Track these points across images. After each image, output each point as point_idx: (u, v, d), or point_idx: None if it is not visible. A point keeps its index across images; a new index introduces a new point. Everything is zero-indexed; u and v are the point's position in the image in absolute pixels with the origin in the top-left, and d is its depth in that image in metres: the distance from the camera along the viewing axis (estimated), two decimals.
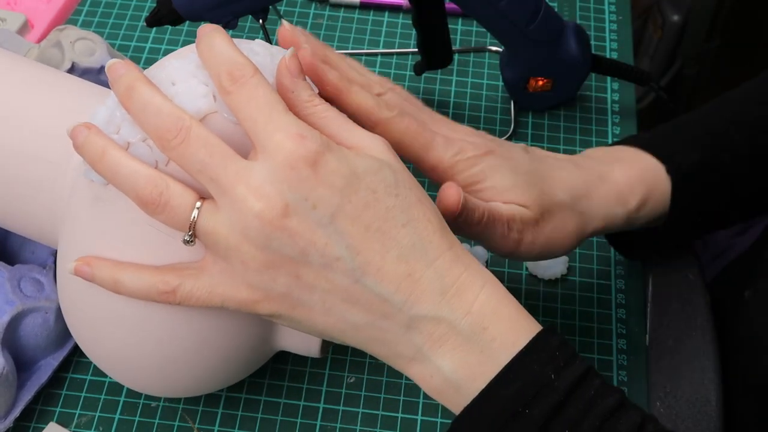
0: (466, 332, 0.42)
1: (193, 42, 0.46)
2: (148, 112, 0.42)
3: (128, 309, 0.47)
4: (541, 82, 0.73)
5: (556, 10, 0.84)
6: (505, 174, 0.51)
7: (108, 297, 0.46)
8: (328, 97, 0.49)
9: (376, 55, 0.80)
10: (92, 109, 0.47)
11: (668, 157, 0.56)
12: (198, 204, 0.42)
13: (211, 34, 0.44)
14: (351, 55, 0.80)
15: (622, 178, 0.55)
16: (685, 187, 0.56)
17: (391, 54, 0.80)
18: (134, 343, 0.48)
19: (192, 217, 0.42)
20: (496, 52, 0.80)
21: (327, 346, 0.52)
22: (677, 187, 0.56)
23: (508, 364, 0.41)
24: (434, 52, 0.71)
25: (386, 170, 0.43)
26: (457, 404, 0.43)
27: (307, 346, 0.51)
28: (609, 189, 0.55)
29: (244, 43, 0.49)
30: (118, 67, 0.44)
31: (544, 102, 0.75)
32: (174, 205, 0.42)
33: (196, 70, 0.46)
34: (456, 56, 0.80)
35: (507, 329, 0.42)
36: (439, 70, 0.79)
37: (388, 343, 0.43)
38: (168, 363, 0.49)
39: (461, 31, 0.82)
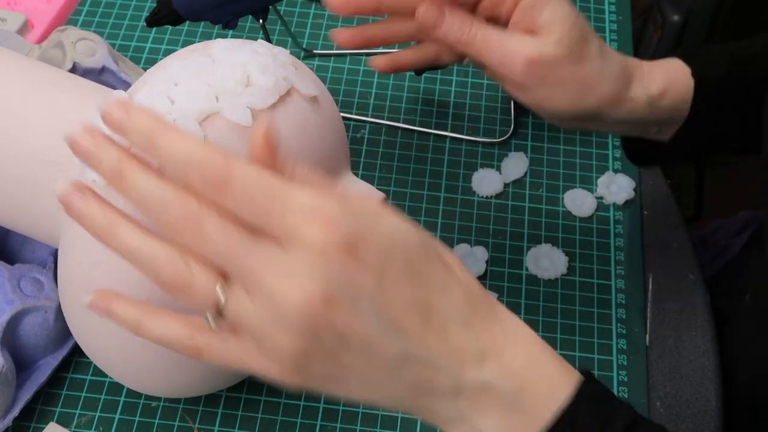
0: (508, 393, 0.40)
1: (193, 42, 0.46)
2: (150, 198, 0.39)
3: None
4: None
5: None
6: (555, 8, 0.54)
7: None
8: None
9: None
10: (93, 109, 0.47)
11: (695, 61, 0.59)
12: (220, 291, 0.39)
13: (155, 135, 0.38)
14: (351, 55, 0.80)
15: (647, 66, 0.58)
16: (707, 90, 0.58)
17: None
18: (135, 343, 0.48)
19: (219, 301, 0.39)
20: None
21: None
22: (699, 86, 0.58)
23: (556, 423, 0.40)
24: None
25: (412, 232, 0.40)
26: None
27: None
28: (637, 70, 0.57)
29: (246, 44, 0.49)
30: (102, 149, 0.40)
31: None
32: (196, 289, 0.39)
33: (198, 71, 0.46)
34: None
35: (547, 386, 0.41)
36: (439, 71, 0.79)
37: (430, 410, 0.42)
38: (169, 363, 0.49)
39: None
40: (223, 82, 0.46)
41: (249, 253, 0.37)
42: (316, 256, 0.37)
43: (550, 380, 0.41)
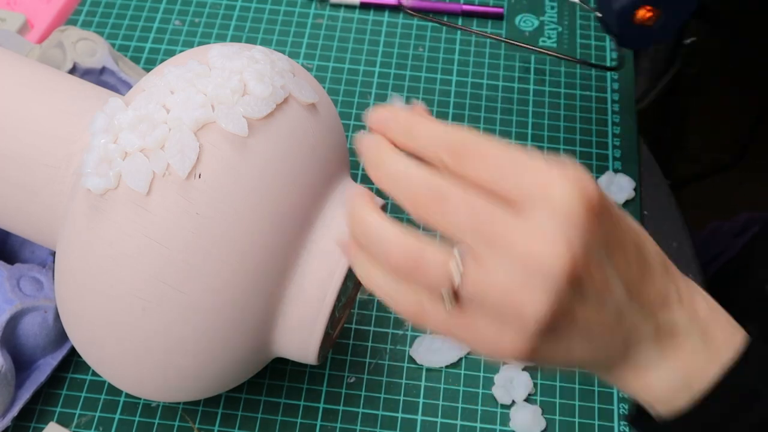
0: (697, 336, 0.42)
1: (193, 42, 0.46)
2: (396, 178, 0.40)
3: (119, 316, 0.47)
4: (649, 14, 0.70)
5: (556, 10, 0.84)
6: None
7: (106, 300, 0.46)
8: None
9: (375, 54, 0.80)
10: (92, 113, 0.47)
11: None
12: (457, 268, 0.39)
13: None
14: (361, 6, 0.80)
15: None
16: None
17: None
18: (132, 347, 0.48)
19: (453, 282, 0.39)
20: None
21: (324, 353, 0.52)
22: None
23: (733, 366, 0.42)
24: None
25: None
26: (674, 407, 0.43)
27: (305, 354, 0.51)
28: None
29: (244, 50, 0.48)
30: (367, 141, 0.42)
31: (644, 40, 0.70)
32: (428, 270, 0.39)
33: (194, 79, 0.46)
34: (456, 56, 0.80)
35: (727, 333, 0.43)
36: (440, 69, 0.79)
37: (629, 359, 0.42)
38: (166, 368, 0.49)
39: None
40: (219, 91, 0.46)
41: (494, 220, 0.38)
42: (567, 215, 0.37)
43: (730, 329, 0.43)
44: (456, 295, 0.39)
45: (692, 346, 0.42)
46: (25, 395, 0.57)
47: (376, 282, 0.41)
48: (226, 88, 0.46)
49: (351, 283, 0.52)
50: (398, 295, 0.41)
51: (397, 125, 0.42)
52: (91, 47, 0.66)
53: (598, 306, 0.40)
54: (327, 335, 0.51)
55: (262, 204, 0.46)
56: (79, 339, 0.50)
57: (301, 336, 0.50)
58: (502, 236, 0.38)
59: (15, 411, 0.56)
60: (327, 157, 0.50)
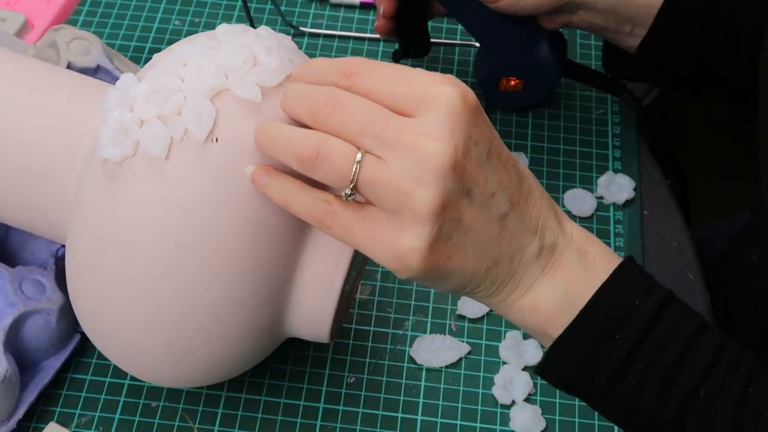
0: (575, 256, 0.46)
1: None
2: (295, 96, 0.44)
3: (138, 287, 0.47)
4: (513, 82, 0.73)
5: None
6: None
7: (124, 272, 0.47)
8: None
9: (363, 40, 0.80)
10: (98, 97, 0.48)
11: None
12: (359, 156, 0.42)
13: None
14: (340, 38, 0.80)
15: None
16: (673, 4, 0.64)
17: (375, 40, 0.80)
18: (144, 324, 0.48)
19: (354, 170, 0.42)
20: (472, 46, 0.80)
21: (336, 331, 0.52)
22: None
23: (598, 291, 0.45)
24: (411, 40, 0.74)
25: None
26: (560, 326, 0.46)
27: (318, 331, 0.51)
28: None
29: (249, 29, 0.49)
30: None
31: (515, 102, 0.75)
32: (333, 157, 0.42)
33: (206, 52, 0.47)
34: (457, 57, 0.80)
35: (601, 253, 0.47)
36: (440, 69, 0.79)
37: (516, 276, 0.46)
38: (178, 345, 0.49)
39: (446, 29, 0.82)
40: (230, 61, 0.46)
41: (387, 121, 0.42)
42: (445, 110, 0.42)
43: (603, 249, 0.47)
44: (356, 190, 0.43)
45: (572, 266, 0.46)
46: (30, 397, 0.57)
47: (289, 197, 0.45)
48: (237, 58, 0.47)
49: (360, 258, 0.53)
50: (307, 202, 0.44)
51: (297, 70, 0.46)
52: (85, 46, 0.66)
53: (485, 211, 0.43)
54: (339, 310, 0.51)
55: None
56: (92, 326, 0.50)
57: (315, 301, 0.50)
58: (396, 134, 0.42)
59: (20, 413, 0.56)
60: None
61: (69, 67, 0.64)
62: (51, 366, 0.59)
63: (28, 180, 0.51)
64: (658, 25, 0.65)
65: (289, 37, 0.51)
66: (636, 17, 0.65)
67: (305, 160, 0.43)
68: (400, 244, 0.43)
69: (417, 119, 0.42)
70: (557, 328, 0.46)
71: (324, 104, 0.43)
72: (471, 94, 0.43)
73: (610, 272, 0.45)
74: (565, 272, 0.46)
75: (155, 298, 0.47)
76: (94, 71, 0.65)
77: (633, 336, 0.44)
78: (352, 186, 0.42)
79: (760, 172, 0.58)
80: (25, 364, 0.58)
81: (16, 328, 0.56)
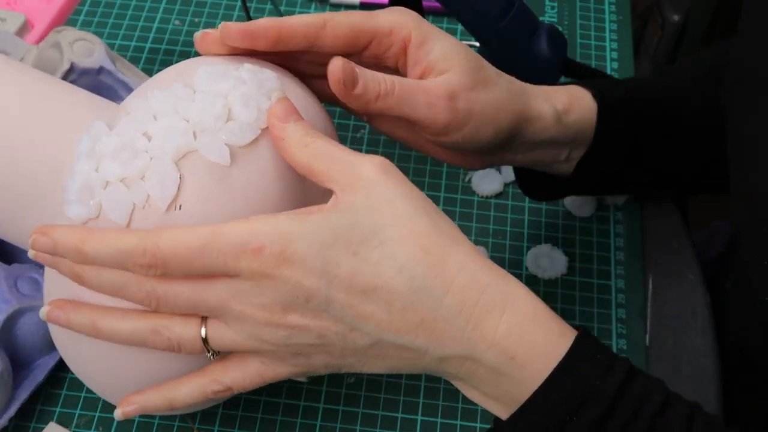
0: (494, 364, 0.42)
1: (192, 42, 0.46)
2: (116, 290, 0.44)
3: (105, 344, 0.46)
4: None
5: (557, 10, 0.84)
6: (444, 43, 0.51)
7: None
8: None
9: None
10: (86, 123, 0.47)
11: (594, 88, 0.59)
12: (203, 331, 0.44)
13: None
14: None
15: (547, 87, 0.58)
16: (609, 112, 0.58)
17: None
18: (125, 364, 0.48)
19: (205, 344, 0.45)
20: (472, 45, 0.80)
21: None
22: (602, 110, 0.58)
23: (550, 376, 0.41)
24: None
25: (361, 219, 0.42)
26: (500, 415, 0.45)
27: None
28: (537, 90, 0.57)
29: (231, 70, 0.47)
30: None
31: None
32: (185, 340, 0.44)
33: (178, 103, 0.45)
34: None
35: (536, 354, 0.42)
36: None
37: (432, 372, 0.45)
38: (159, 383, 0.48)
39: (446, 29, 0.82)
40: (202, 116, 0.45)
41: (208, 297, 0.43)
42: (257, 280, 0.42)
43: (540, 349, 0.42)
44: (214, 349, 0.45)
45: (494, 377, 0.43)
46: (23, 395, 0.57)
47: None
48: (209, 113, 0.45)
49: None
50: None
51: (67, 251, 0.44)
52: (88, 47, 0.66)
53: (347, 344, 0.43)
54: None
55: None
56: (67, 349, 0.50)
57: None
58: (225, 305, 0.43)
59: (12, 411, 0.56)
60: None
61: (72, 67, 0.64)
62: (46, 364, 0.59)
63: (13, 203, 0.50)
64: (598, 136, 0.59)
65: (275, 75, 0.48)
66: (572, 138, 0.58)
67: (164, 350, 0.45)
68: (286, 371, 0.46)
69: (235, 284, 0.42)
70: (499, 414, 0.45)
71: (145, 301, 0.43)
72: (276, 251, 0.41)
73: (546, 376, 0.41)
74: (484, 380, 0.43)
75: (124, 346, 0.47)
76: (97, 73, 0.66)
77: (595, 418, 0.41)
78: (210, 354, 0.45)
79: (731, 199, 0.52)
80: (19, 361, 0.58)
81: (10, 325, 0.56)
